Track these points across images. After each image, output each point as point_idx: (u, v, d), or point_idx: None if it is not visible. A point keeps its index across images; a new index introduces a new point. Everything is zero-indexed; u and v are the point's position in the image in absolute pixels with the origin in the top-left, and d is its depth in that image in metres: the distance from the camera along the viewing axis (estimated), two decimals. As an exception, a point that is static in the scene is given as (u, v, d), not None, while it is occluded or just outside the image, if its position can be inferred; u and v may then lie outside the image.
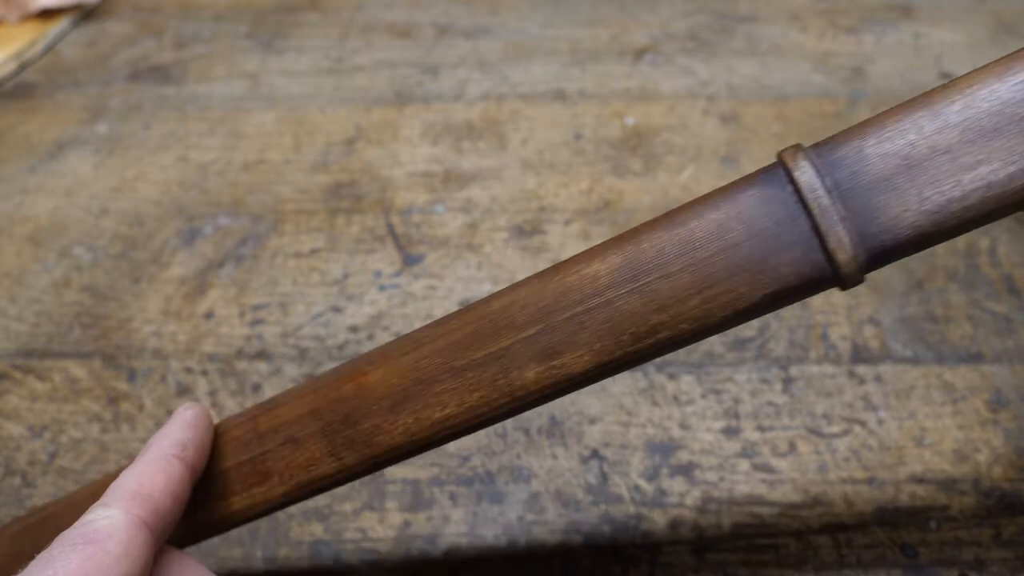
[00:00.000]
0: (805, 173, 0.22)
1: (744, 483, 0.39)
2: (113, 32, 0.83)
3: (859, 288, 0.47)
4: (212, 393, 0.45)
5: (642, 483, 0.39)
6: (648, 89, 0.66)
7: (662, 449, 0.40)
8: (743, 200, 0.23)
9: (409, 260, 0.52)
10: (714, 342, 0.45)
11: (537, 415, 0.42)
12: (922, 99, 0.23)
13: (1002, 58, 0.22)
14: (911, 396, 0.41)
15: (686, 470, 0.39)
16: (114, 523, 0.23)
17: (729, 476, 0.39)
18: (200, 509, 0.29)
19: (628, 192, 0.56)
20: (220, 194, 0.60)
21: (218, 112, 0.69)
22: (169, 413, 0.44)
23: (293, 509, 0.39)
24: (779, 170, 0.23)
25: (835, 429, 0.40)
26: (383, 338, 0.47)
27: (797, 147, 0.23)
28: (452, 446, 0.41)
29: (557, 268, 0.25)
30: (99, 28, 0.84)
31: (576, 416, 0.42)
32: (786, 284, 0.23)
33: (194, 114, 0.69)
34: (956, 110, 0.22)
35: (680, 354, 0.45)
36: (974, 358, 0.43)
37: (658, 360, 0.44)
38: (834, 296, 0.47)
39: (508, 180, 0.58)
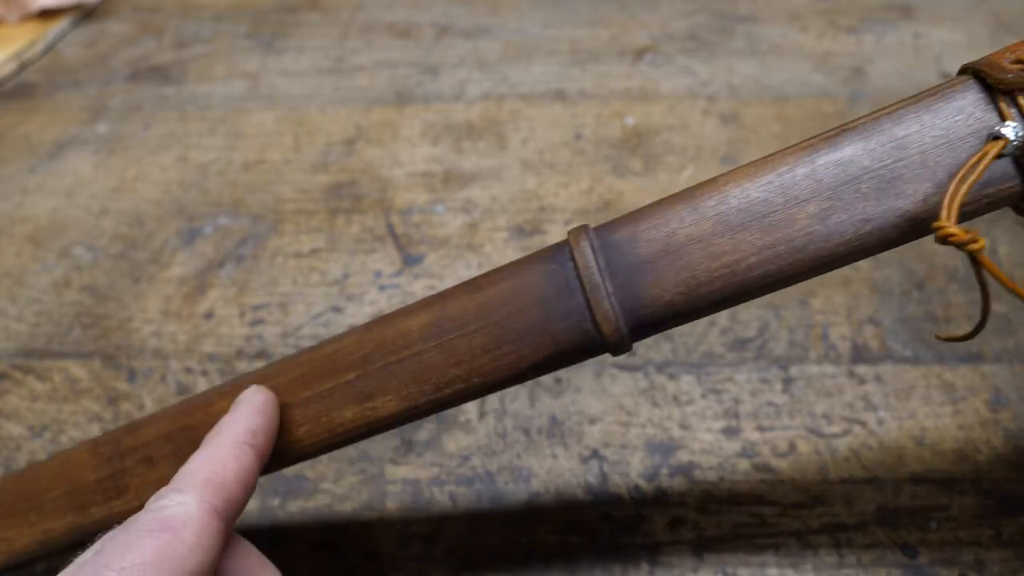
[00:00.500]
0: (583, 253, 0.26)
1: (744, 483, 0.39)
2: (113, 32, 0.83)
3: (859, 288, 0.47)
4: (212, 393, 0.45)
5: (642, 483, 0.39)
6: (648, 89, 0.66)
7: (662, 449, 0.40)
8: (534, 272, 0.26)
9: (409, 260, 0.52)
10: (714, 342, 0.45)
11: (537, 415, 0.42)
12: (687, 192, 0.26)
13: (756, 160, 0.25)
14: (911, 396, 0.41)
15: (686, 470, 0.39)
16: (188, 511, 0.23)
17: (729, 476, 0.39)
18: (61, 517, 0.31)
19: (628, 192, 0.56)
20: (220, 194, 0.60)
21: (218, 112, 0.69)
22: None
23: (293, 508, 0.39)
24: (565, 248, 0.26)
25: (835, 429, 0.40)
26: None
27: (582, 228, 0.26)
28: (453, 445, 0.41)
29: (379, 321, 0.28)
30: (99, 28, 0.84)
31: (576, 416, 0.42)
32: (563, 348, 0.26)
33: (194, 114, 0.69)
34: (711, 204, 0.25)
35: (680, 354, 0.45)
36: (974, 358, 0.43)
37: (658, 360, 0.44)
38: (834, 296, 0.47)
39: (508, 180, 0.58)
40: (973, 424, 0.40)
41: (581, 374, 0.44)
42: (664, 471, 0.39)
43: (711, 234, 0.25)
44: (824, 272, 0.25)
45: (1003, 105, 0.23)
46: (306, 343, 0.47)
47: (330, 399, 0.28)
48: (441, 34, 0.77)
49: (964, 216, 0.24)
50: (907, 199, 0.24)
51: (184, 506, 0.24)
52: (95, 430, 0.44)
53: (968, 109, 0.24)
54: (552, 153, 0.60)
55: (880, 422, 0.40)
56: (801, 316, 0.46)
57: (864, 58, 0.67)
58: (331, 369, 0.28)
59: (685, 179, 0.56)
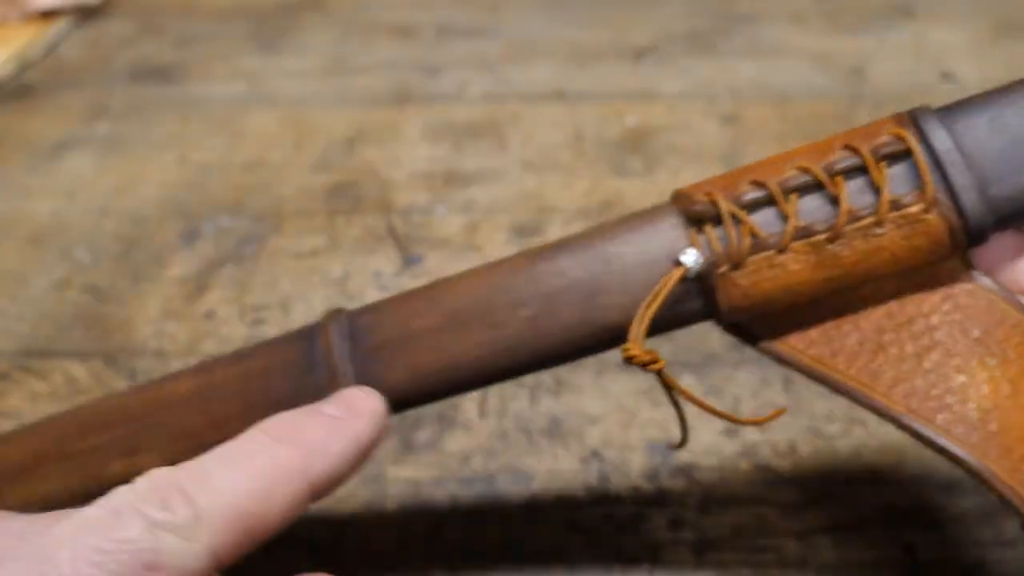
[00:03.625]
0: (330, 337, 0.28)
1: (744, 483, 0.39)
2: (113, 32, 0.83)
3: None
4: (212, 393, 0.45)
5: (642, 483, 0.39)
6: (649, 89, 0.66)
7: (662, 449, 0.40)
8: (291, 349, 0.29)
9: (409, 260, 0.52)
10: (715, 342, 0.45)
11: (538, 415, 0.42)
12: (428, 288, 0.28)
13: (493, 262, 0.27)
14: (911, 396, 0.41)
15: (686, 470, 0.39)
16: (189, 561, 0.19)
17: (729, 476, 0.39)
18: None
19: (629, 192, 0.56)
20: (220, 194, 0.60)
21: (218, 112, 0.69)
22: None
23: (293, 509, 0.39)
24: (319, 329, 0.28)
25: (835, 429, 0.40)
26: (383, 338, 0.47)
27: (335, 313, 0.29)
28: (453, 445, 0.41)
29: (153, 382, 0.31)
30: (99, 28, 0.84)
31: (576, 416, 0.42)
32: None
33: (195, 114, 0.69)
34: (445, 301, 0.27)
35: (680, 354, 0.44)
36: (974, 358, 0.43)
37: (658, 360, 0.44)
38: (834, 296, 0.47)
39: (509, 180, 0.58)
40: (973, 424, 0.40)
41: (582, 374, 0.44)
42: (664, 471, 0.39)
43: (440, 328, 0.27)
44: (536, 371, 0.27)
45: (692, 232, 0.26)
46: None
47: (101, 451, 0.30)
48: (441, 34, 0.77)
49: (662, 329, 0.26)
50: (608, 311, 0.26)
51: (189, 549, 0.19)
52: (95, 430, 0.44)
53: (667, 233, 0.26)
54: (553, 153, 0.60)
55: (880, 422, 0.40)
56: (801, 316, 0.46)
57: (864, 58, 0.67)
58: (103, 423, 0.30)
59: (685, 179, 0.56)
